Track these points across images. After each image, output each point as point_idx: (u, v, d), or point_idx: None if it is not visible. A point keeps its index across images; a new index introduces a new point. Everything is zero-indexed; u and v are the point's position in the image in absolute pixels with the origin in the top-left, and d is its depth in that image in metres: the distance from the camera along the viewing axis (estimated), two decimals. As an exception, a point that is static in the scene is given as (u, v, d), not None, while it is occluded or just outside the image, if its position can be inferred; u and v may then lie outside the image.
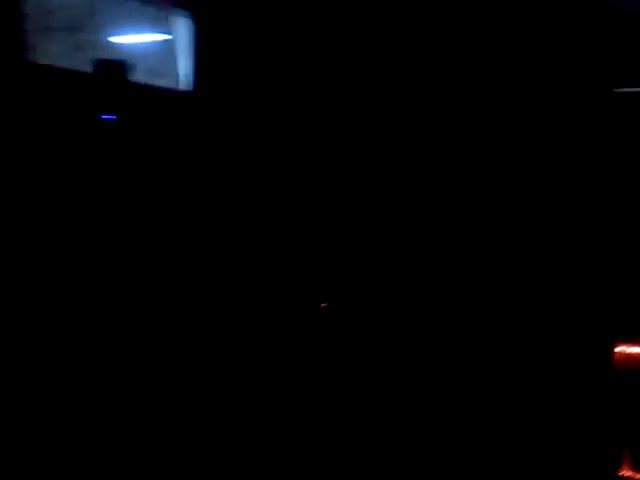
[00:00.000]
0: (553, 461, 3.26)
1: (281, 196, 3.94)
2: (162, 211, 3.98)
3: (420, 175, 3.71)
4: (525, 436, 3.31)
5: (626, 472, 3.13)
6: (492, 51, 3.64)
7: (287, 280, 3.82)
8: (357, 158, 3.84)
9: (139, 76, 4.38)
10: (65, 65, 3.91)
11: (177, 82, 4.46)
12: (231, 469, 3.39)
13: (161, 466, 3.36)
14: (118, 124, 3.76)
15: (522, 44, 3.62)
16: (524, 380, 3.39)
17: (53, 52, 3.96)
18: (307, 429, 3.48)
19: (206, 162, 4.10)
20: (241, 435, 3.49)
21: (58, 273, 3.39)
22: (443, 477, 3.27)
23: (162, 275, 3.89)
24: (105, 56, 4.23)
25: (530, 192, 3.58)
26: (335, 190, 3.86)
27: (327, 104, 3.88)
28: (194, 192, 4.06)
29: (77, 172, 3.57)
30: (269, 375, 3.63)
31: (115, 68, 3.85)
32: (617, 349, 3.23)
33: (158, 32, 4.53)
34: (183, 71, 4.44)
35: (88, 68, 3.83)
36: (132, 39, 4.51)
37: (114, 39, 4.40)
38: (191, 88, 4.16)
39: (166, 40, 4.50)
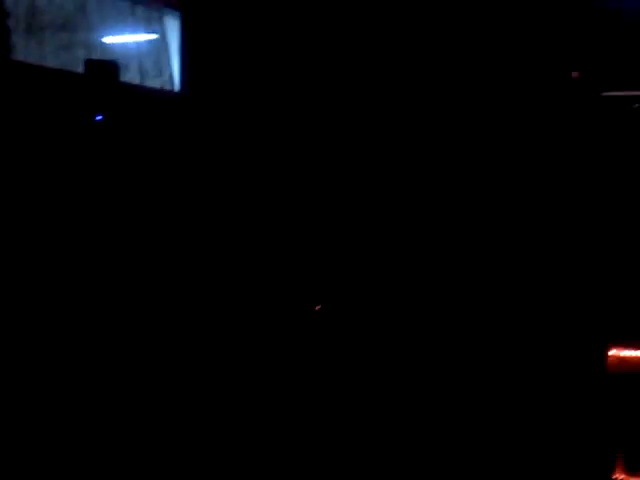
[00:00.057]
0: (548, 464, 3.24)
1: (274, 197, 3.92)
2: (153, 211, 3.95)
3: (411, 178, 3.69)
4: (520, 439, 3.29)
5: (620, 475, 3.12)
6: (481, 55, 3.63)
7: (281, 282, 3.80)
8: (346, 158, 3.82)
9: (132, 77, 4.35)
10: (55, 65, 3.89)
11: (171, 83, 4.44)
12: (228, 469, 3.37)
13: (160, 466, 3.34)
14: (108, 125, 3.73)
15: (511, 48, 3.61)
16: (519, 383, 3.38)
17: (43, 52, 3.93)
18: (303, 429, 3.46)
19: (196, 162, 4.08)
20: (237, 434, 3.47)
21: (47, 274, 3.36)
22: (438, 478, 3.26)
23: (154, 276, 3.86)
24: (96, 56, 4.20)
25: (522, 198, 3.57)
26: (328, 192, 3.84)
27: (318, 104, 3.87)
28: (185, 192, 4.04)
29: (66, 173, 3.54)
30: (264, 375, 3.61)
31: (106, 68, 3.82)
32: (610, 352, 3.22)
33: (151, 32, 4.51)
34: (177, 72, 4.42)
35: (79, 68, 3.80)
36: (124, 39, 4.48)
37: (106, 39, 4.38)
38: (181, 89, 4.14)
39: (159, 40, 4.47)
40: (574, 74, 3.56)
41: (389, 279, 3.67)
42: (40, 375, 3.24)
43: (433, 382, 3.48)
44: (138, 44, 4.61)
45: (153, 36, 4.65)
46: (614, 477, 3.11)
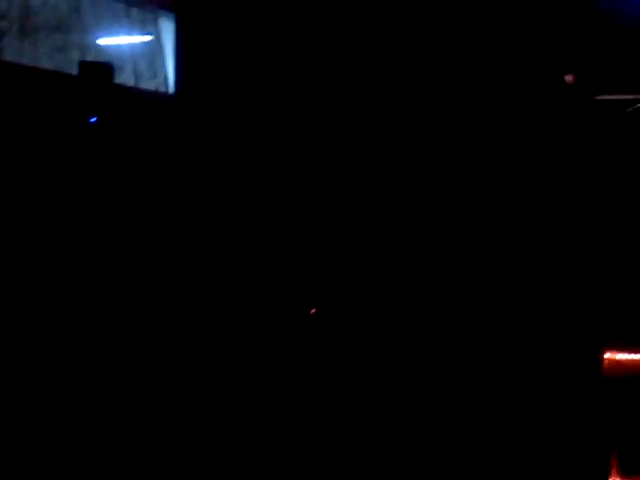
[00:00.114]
0: (543, 466, 3.24)
1: (270, 198, 3.92)
2: (149, 213, 3.94)
3: (404, 180, 3.69)
4: (514, 442, 3.29)
5: (614, 478, 3.12)
6: (474, 58, 3.64)
7: (275, 285, 3.79)
8: (342, 161, 3.82)
9: (126, 78, 4.34)
10: (49, 67, 3.87)
11: (166, 85, 4.44)
12: (225, 469, 3.36)
13: (160, 466, 3.33)
14: (102, 127, 3.72)
15: (504, 51, 3.61)
16: (513, 386, 3.37)
17: (37, 53, 3.92)
18: (301, 430, 3.45)
19: (191, 164, 4.07)
20: (234, 436, 3.47)
21: (42, 275, 3.35)
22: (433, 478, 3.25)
23: (148, 278, 3.85)
24: (91, 58, 4.19)
25: (516, 201, 3.57)
26: (324, 193, 3.84)
27: (314, 106, 3.86)
28: (180, 194, 4.03)
29: (60, 175, 3.53)
30: (260, 379, 3.61)
31: (100, 70, 3.81)
32: (606, 355, 3.22)
33: (145, 34, 4.50)
34: (171, 74, 4.42)
35: (73, 70, 3.79)
36: (119, 41, 4.47)
37: (100, 41, 4.37)
38: (176, 90, 4.13)
39: (154, 42, 4.47)
40: (568, 77, 3.57)
41: (386, 279, 3.67)
42: (40, 375, 3.23)
43: (427, 385, 3.48)
44: (133, 46, 4.60)
45: (148, 38, 4.65)
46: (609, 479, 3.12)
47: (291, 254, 3.85)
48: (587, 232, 3.49)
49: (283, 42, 3.96)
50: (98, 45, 4.46)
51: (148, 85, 4.44)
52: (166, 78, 4.43)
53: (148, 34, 4.57)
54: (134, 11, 4.53)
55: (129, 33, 4.50)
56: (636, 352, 3.19)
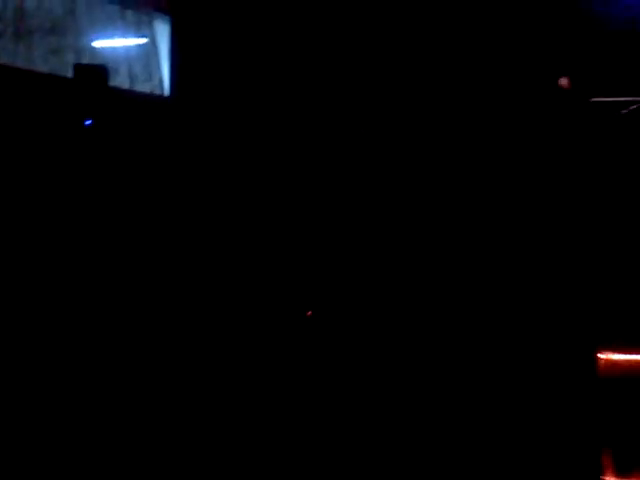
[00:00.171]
0: (538, 465, 3.24)
1: (264, 200, 3.91)
2: (144, 215, 3.94)
3: (399, 182, 3.69)
4: (510, 441, 3.29)
5: (609, 477, 3.12)
6: (470, 61, 3.64)
7: (271, 288, 3.79)
8: (335, 163, 3.82)
9: (121, 81, 4.34)
10: (44, 69, 3.87)
11: (160, 87, 4.44)
12: (222, 468, 3.36)
13: (160, 466, 3.32)
14: (97, 129, 3.71)
15: (500, 54, 3.62)
16: (509, 385, 3.38)
17: (32, 56, 3.92)
18: (299, 431, 3.45)
19: (186, 166, 4.07)
20: (235, 435, 3.46)
21: (35, 276, 3.34)
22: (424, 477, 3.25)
23: (141, 280, 3.84)
24: (86, 60, 4.19)
25: (512, 203, 3.57)
26: (318, 194, 3.84)
27: (309, 108, 3.86)
28: (175, 196, 4.03)
29: (56, 177, 3.52)
30: (259, 379, 3.60)
31: (95, 73, 3.81)
32: (600, 356, 3.22)
33: (140, 37, 4.50)
34: (166, 76, 4.42)
35: (67, 72, 3.78)
36: (114, 43, 4.47)
37: (95, 43, 4.37)
38: (171, 93, 4.13)
39: (149, 45, 4.47)
40: (564, 81, 3.58)
41: (381, 281, 3.67)
42: (39, 375, 3.23)
43: (420, 386, 3.48)
44: (128, 48, 4.60)
45: (143, 40, 4.65)
46: (604, 479, 3.12)
47: (287, 255, 3.84)
48: (583, 233, 3.49)
49: (278, 44, 3.96)
50: (93, 48, 4.46)
51: (143, 88, 4.43)
52: (161, 81, 4.43)
53: (143, 37, 4.57)
54: (129, 13, 4.52)
55: (124, 36, 4.50)
56: (630, 352, 3.20)
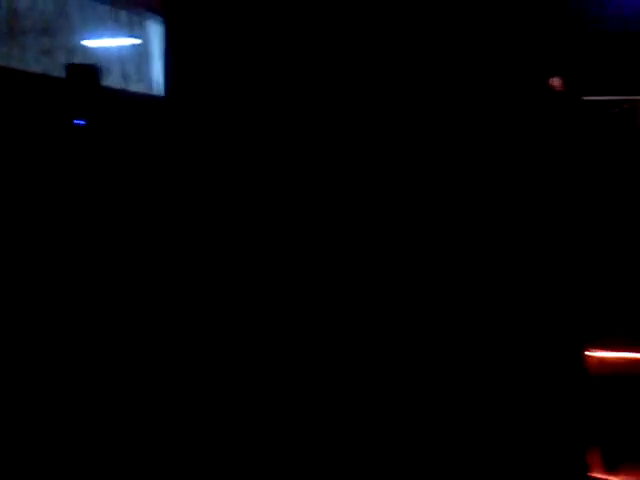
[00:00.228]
0: (525, 463, 3.27)
1: (260, 201, 3.93)
2: (137, 216, 3.95)
3: (389, 181, 3.71)
4: (497, 438, 3.32)
5: (597, 474, 3.15)
6: (460, 59, 3.67)
7: (269, 288, 3.81)
8: (327, 163, 3.84)
9: (114, 81, 4.36)
10: (36, 70, 3.88)
11: (152, 87, 4.45)
12: (224, 468, 3.38)
13: (160, 466, 3.34)
14: (90, 129, 3.73)
15: (491, 52, 3.64)
16: (496, 383, 3.40)
17: (24, 56, 3.93)
18: (296, 431, 3.47)
19: (179, 167, 4.08)
20: (233, 435, 3.48)
21: (25, 277, 3.35)
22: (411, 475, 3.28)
23: (133, 282, 3.86)
24: (78, 60, 4.20)
25: (500, 201, 3.60)
26: (312, 195, 3.86)
27: (304, 109, 3.89)
28: (168, 197, 4.04)
29: (47, 178, 3.54)
30: (258, 378, 3.62)
31: (88, 73, 3.82)
32: (589, 354, 3.25)
33: (133, 37, 4.51)
34: (158, 76, 4.43)
35: (59, 72, 3.80)
36: (105, 43, 4.48)
37: (87, 43, 4.38)
38: (164, 93, 4.15)
39: (141, 45, 4.48)
40: (555, 81, 3.60)
41: (370, 275, 3.69)
42: (39, 375, 3.24)
43: (405, 383, 3.50)
44: (120, 48, 4.61)
45: (135, 40, 4.66)
46: (592, 476, 3.15)
47: (282, 256, 3.86)
48: (572, 231, 3.52)
49: (273, 44, 3.98)
50: (85, 48, 4.47)
51: (136, 88, 4.45)
52: (154, 81, 4.44)
53: (136, 37, 4.58)
54: (121, 14, 4.54)
55: (116, 36, 4.51)
56: (618, 350, 3.22)
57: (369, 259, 3.71)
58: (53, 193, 3.56)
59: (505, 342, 3.47)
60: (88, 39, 4.47)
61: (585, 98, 3.73)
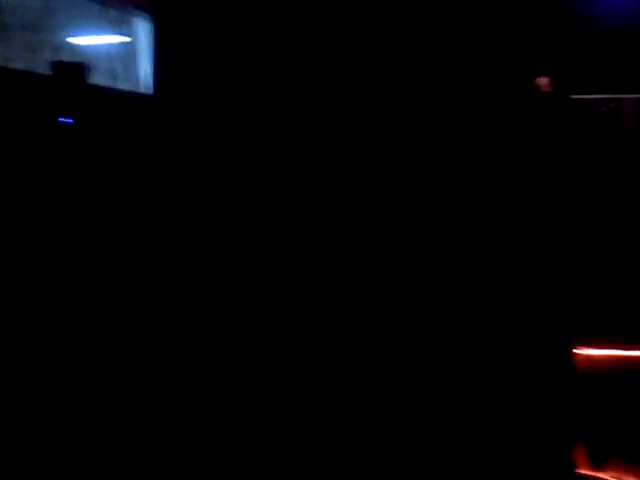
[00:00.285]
0: (513, 460, 3.27)
1: (247, 198, 3.92)
2: (122, 216, 3.93)
3: (375, 178, 3.71)
4: (485, 434, 3.32)
5: (584, 470, 3.15)
6: (448, 58, 3.66)
7: (264, 290, 3.79)
8: (316, 161, 3.83)
9: (99, 79, 4.33)
10: (20, 67, 3.85)
11: (139, 85, 4.42)
12: (224, 469, 3.36)
13: (161, 466, 3.33)
14: (76, 128, 3.70)
15: (478, 51, 3.64)
16: (483, 380, 3.40)
17: (7, 53, 3.89)
18: (296, 431, 3.46)
19: (166, 166, 4.06)
20: (233, 436, 3.46)
21: (7, 277, 3.33)
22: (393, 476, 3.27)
23: (120, 283, 3.84)
24: (63, 57, 4.17)
25: (489, 199, 3.59)
26: (300, 193, 3.84)
27: (292, 106, 3.87)
28: (154, 197, 4.02)
29: (33, 178, 3.51)
30: (258, 379, 3.61)
31: (74, 70, 3.79)
32: (576, 351, 3.25)
33: (120, 34, 4.48)
34: (145, 74, 4.40)
35: (45, 70, 3.77)
36: (92, 40, 4.45)
37: (73, 40, 4.34)
38: (152, 91, 4.12)
39: (128, 42, 4.45)
40: (543, 80, 3.60)
41: (363, 274, 3.69)
42: (39, 375, 3.23)
43: (394, 381, 3.49)
44: (107, 46, 4.58)
45: (122, 38, 4.63)
46: (579, 472, 3.15)
47: (269, 256, 3.85)
48: (560, 229, 3.52)
49: (260, 42, 3.96)
50: (72, 45, 4.44)
51: (123, 86, 4.42)
52: (141, 78, 4.41)
53: (123, 34, 4.55)
54: (108, 11, 4.51)
55: (103, 33, 4.48)
56: (605, 348, 3.23)
57: (361, 256, 3.70)
58: (39, 193, 3.53)
59: (494, 340, 3.47)
60: (75, 36, 4.43)
61: (572, 97, 3.73)
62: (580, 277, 3.55)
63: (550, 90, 3.59)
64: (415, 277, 3.58)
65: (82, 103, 3.78)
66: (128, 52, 4.50)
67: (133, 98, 4.41)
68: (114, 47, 4.51)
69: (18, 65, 3.90)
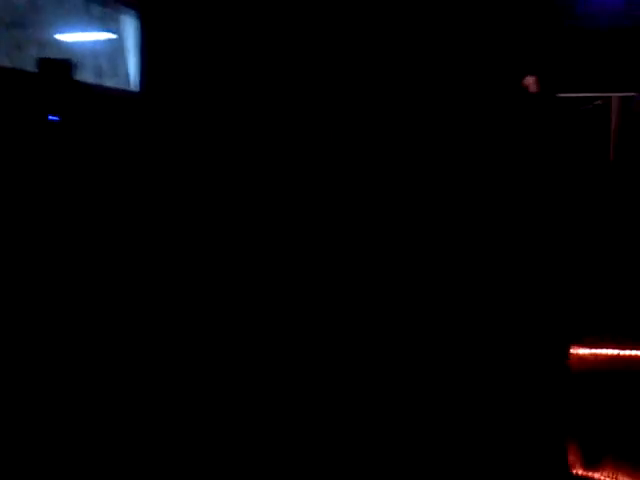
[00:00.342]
0: (507, 459, 3.28)
1: (236, 194, 3.90)
2: (107, 213, 3.90)
3: (369, 177, 3.70)
4: (479, 433, 3.32)
5: (578, 470, 3.16)
6: (436, 57, 3.66)
7: (262, 291, 3.77)
8: (307, 159, 3.82)
9: (87, 76, 4.29)
10: (6, 64, 3.81)
11: (127, 82, 4.38)
12: (224, 469, 3.35)
13: (161, 466, 3.30)
14: (63, 125, 3.67)
15: (466, 51, 3.64)
16: (479, 380, 3.41)
17: (-6, 50, 3.85)
18: (295, 431, 3.45)
19: (154, 162, 4.03)
20: (232, 436, 3.45)
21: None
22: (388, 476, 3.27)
23: (109, 282, 3.81)
24: (50, 55, 4.13)
25: (480, 198, 3.60)
26: (290, 191, 3.83)
27: (281, 104, 3.86)
28: (141, 193, 4.00)
29: (21, 175, 3.47)
30: (257, 379, 3.59)
31: (60, 67, 3.76)
32: (572, 351, 3.26)
33: (107, 31, 4.44)
34: (133, 71, 4.37)
35: (32, 67, 3.73)
36: (79, 37, 4.41)
37: (60, 37, 4.30)
38: (139, 88, 4.09)
39: (114, 40, 4.41)
40: (530, 80, 3.61)
41: (363, 275, 3.68)
42: (39, 375, 3.20)
43: (391, 380, 3.49)
44: (94, 43, 4.54)
45: (109, 35, 4.59)
46: (573, 472, 3.16)
47: (260, 257, 3.83)
48: (554, 228, 3.53)
49: (247, 38, 3.94)
50: (58, 42, 4.39)
51: (110, 82, 4.39)
52: (128, 75, 4.38)
53: (110, 31, 4.52)
54: (95, 7, 4.47)
55: (90, 30, 4.45)
56: (600, 347, 3.24)
57: (360, 256, 3.70)
58: (27, 190, 3.50)
59: (491, 339, 3.48)
60: (62, 33, 4.39)
61: (559, 95, 3.75)
62: (576, 277, 3.56)
63: (537, 88, 3.60)
64: (412, 276, 3.58)
65: (69, 100, 3.74)
66: (115, 49, 4.46)
67: (120, 95, 4.37)
68: (101, 44, 4.47)
69: (4, 62, 3.86)
